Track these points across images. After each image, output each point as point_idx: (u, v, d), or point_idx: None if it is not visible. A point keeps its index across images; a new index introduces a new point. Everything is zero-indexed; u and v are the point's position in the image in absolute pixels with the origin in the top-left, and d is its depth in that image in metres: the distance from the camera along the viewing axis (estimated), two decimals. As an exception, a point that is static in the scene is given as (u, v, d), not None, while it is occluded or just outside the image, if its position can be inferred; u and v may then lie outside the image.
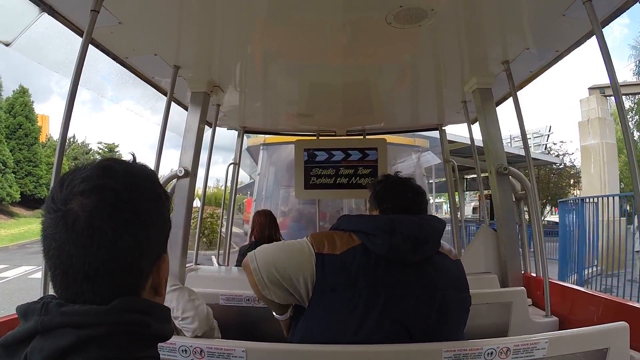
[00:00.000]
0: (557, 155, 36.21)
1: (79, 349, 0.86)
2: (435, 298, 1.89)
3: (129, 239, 0.94)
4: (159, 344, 1.03)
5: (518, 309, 3.01)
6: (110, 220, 0.92)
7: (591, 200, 12.00)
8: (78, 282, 0.93)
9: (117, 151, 43.09)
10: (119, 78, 3.75)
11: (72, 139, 46.38)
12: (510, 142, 30.07)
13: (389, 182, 2.32)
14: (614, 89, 2.36)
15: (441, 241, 2.13)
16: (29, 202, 43.28)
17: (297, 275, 1.93)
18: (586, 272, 11.56)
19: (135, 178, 1.00)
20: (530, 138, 40.33)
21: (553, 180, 35.94)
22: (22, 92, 46.12)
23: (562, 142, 40.07)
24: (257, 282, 1.98)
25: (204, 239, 23.14)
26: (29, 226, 36.88)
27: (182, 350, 1.80)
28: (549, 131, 39.03)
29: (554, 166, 35.66)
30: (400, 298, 1.86)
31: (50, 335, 0.88)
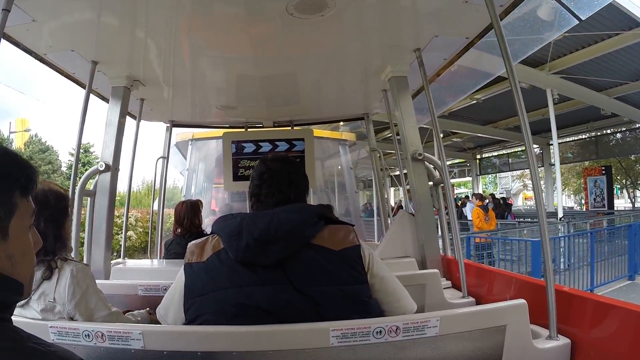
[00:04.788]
0: None
1: None
2: (306, 295, 1.83)
3: None
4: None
5: (432, 290, 3.08)
6: None
7: None
8: None
9: (92, 152, 41.44)
10: (40, 75, 3.72)
11: (33, 137, 44.27)
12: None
13: (255, 174, 2.21)
14: (511, 79, 2.39)
15: (333, 226, 2.01)
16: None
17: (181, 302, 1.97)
18: None
19: None
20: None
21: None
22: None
23: None
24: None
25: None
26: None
27: (85, 335, 1.83)
28: None
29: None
30: (271, 295, 1.83)
31: None
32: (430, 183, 3.89)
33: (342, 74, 4.31)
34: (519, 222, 18.14)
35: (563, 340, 2.13)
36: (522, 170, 33.56)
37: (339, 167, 10.14)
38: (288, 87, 4.64)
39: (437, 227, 3.92)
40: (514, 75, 2.35)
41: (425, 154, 3.71)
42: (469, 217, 17.35)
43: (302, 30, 3.14)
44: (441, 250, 3.97)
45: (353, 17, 3.05)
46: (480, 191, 27.64)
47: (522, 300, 2.03)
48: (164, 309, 2.10)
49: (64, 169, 40.45)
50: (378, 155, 5.90)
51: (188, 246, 2.05)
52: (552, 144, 24.05)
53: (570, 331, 2.16)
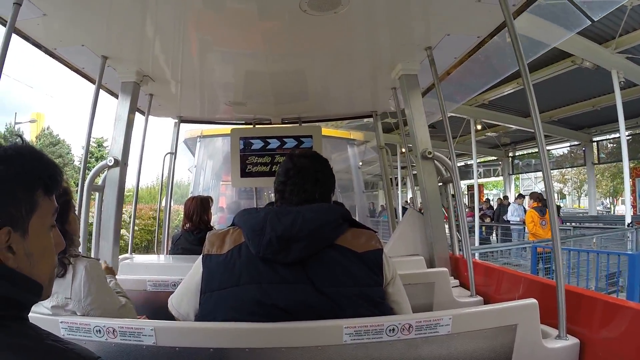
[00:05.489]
0: None
1: None
2: (326, 295, 1.82)
3: None
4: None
5: (441, 289, 3.09)
6: None
7: None
8: None
9: (106, 146, 41.16)
10: (50, 69, 3.74)
11: (45, 130, 44.20)
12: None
13: (281, 169, 2.17)
14: (524, 79, 2.38)
15: (357, 230, 2.01)
16: None
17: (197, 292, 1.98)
18: None
19: None
20: None
21: None
22: None
23: None
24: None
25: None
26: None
27: (97, 331, 1.84)
28: None
29: None
30: (289, 294, 1.83)
31: None
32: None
33: (352, 71, 4.30)
34: (574, 227, 16.36)
35: (572, 340, 2.12)
36: (559, 170, 31.97)
37: (347, 166, 10.14)
38: (297, 83, 4.63)
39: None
40: (527, 75, 2.35)
41: (435, 152, 3.71)
42: (511, 220, 16.53)
43: (314, 27, 3.14)
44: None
45: (366, 14, 3.04)
46: (514, 193, 26.38)
47: (533, 300, 2.03)
48: (178, 298, 2.11)
49: (76, 162, 40.31)
50: (386, 153, 5.90)
51: (207, 236, 2.05)
52: (595, 141, 23.02)
53: (579, 331, 2.15)
